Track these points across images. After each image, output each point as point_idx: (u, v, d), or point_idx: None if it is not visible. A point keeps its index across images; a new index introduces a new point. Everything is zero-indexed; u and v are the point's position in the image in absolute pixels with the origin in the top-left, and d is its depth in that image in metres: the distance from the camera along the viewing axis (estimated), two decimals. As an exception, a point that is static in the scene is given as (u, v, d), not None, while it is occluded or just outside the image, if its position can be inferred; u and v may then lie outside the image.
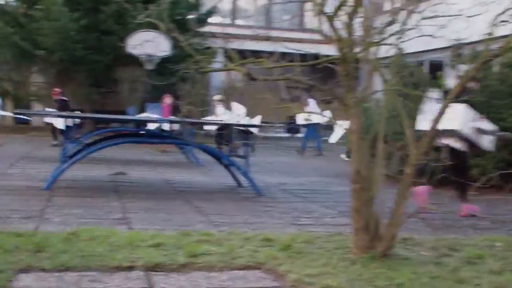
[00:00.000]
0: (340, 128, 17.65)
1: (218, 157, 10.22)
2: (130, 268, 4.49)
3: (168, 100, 18.23)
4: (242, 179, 10.12)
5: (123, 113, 19.98)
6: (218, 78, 26.47)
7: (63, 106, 18.05)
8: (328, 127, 18.92)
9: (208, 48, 21.50)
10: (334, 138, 17.92)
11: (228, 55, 5.26)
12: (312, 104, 18.54)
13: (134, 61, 21.27)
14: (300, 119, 18.79)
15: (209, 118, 16.99)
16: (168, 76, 19.57)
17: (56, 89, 19.39)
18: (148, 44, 17.87)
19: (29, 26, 21.80)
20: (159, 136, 10.30)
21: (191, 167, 13.78)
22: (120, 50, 20.98)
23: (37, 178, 9.92)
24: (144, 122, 10.85)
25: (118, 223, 6.48)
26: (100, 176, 10.94)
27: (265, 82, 5.14)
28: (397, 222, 5.13)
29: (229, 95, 24.44)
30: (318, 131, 18.89)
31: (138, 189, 9.56)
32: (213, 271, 4.58)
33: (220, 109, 17.80)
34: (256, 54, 5.44)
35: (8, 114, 21.40)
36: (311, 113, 17.45)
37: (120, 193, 8.97)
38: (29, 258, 4.52)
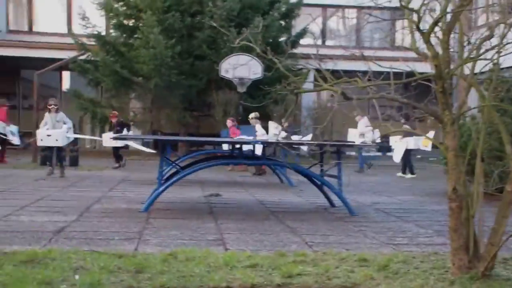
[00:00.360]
0: (398, 144, 17.26)
1: (310, 177, 10.14)
2: (227, 289, 4.50)
3: (229, 123, 18.25)
4: (334, 199, 10.00)
5: (217, 135, 20.24)
6: (308, 99, 26.45)
7: (121, 130, 18.03)
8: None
9: (300, 69, 21.56)
10: (397, 156, 17.48)
11: (323, 75, 5.22)
12: (365, 121, 18.06)
13: (227, 84, 21.58)
14: (352, 136, 18.21)
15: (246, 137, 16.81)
16: (260, 98, 19.74)
17: (114, 112, 19.49)
18: (241, 67, 18.08)
19: (128, 55, 22.54)
20: (252, 157, 10.34)
21: (283, 188, 13.76)
22: (213, 74, 21.37)
23: (135, 201, 10.16)
24: (237, 144, 10.93)
25: (214, 244, 6.52)
26: (195, 198, 11.10)
27: (358, 101, 5.07)
28: (497, 241, 4.90)
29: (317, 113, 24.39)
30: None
31: (232, 210, 9.62)
32: (309, 292, 4.51)
33: (258, 127, 17.61)
34: (348, 73, 5.38)
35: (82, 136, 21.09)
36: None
37: (214, 214, 9.04)
38: (131, 279, 4.61)
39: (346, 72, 5.52)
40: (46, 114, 15.14)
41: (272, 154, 12.50)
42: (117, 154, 18.51)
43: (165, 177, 9.85)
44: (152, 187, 10.13)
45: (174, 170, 10.20)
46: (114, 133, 17.62)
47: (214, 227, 7.76)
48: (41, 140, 14.80)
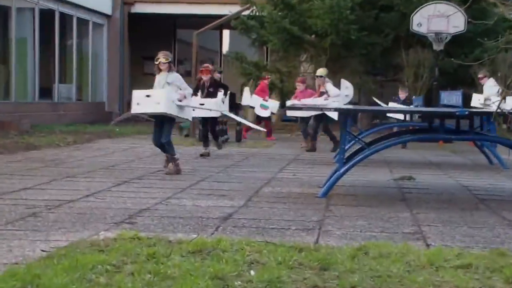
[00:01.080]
0: None
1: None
2: (434, 294, 4.42)
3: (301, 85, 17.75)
4: None
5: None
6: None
7: (214, 92, 14.83)
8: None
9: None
10: None
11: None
12: (490, 83, 16.28)
13: (419, 41, 21.17)
14: (476, 102, 15.64)
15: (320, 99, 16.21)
16: (462, 57, 19.09)
17: (207, 65, 15.40)
18: (438, 19, 17.63)
19: (300, 8, 22.73)
20: (455, 132, 10.03)
21: (493, 170, 13.32)
22: (402, 29, 21.04)
23: (310, 184, 10.29)
24: (434, 114, 10.67)
25: (412, 238, 6.45)
26: (382, 181, 11.03)
27: None
28: None
29: None
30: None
31: (429, 197, 9.47)
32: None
33: (329, 86, 16.67)
34: None
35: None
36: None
37: (408, 201, 8.95)
38: (315, 277, 4.67)
39: None
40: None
41: (478, 128, 11.99)
42: (217, 128, 16.19)
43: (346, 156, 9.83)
44: (327, 168, 10.21)
45: (357, 148, 10.18)
46: (204, 96, 14.75)
47: (409, 217, 7.68)
48: (137, 104, 11.23)
